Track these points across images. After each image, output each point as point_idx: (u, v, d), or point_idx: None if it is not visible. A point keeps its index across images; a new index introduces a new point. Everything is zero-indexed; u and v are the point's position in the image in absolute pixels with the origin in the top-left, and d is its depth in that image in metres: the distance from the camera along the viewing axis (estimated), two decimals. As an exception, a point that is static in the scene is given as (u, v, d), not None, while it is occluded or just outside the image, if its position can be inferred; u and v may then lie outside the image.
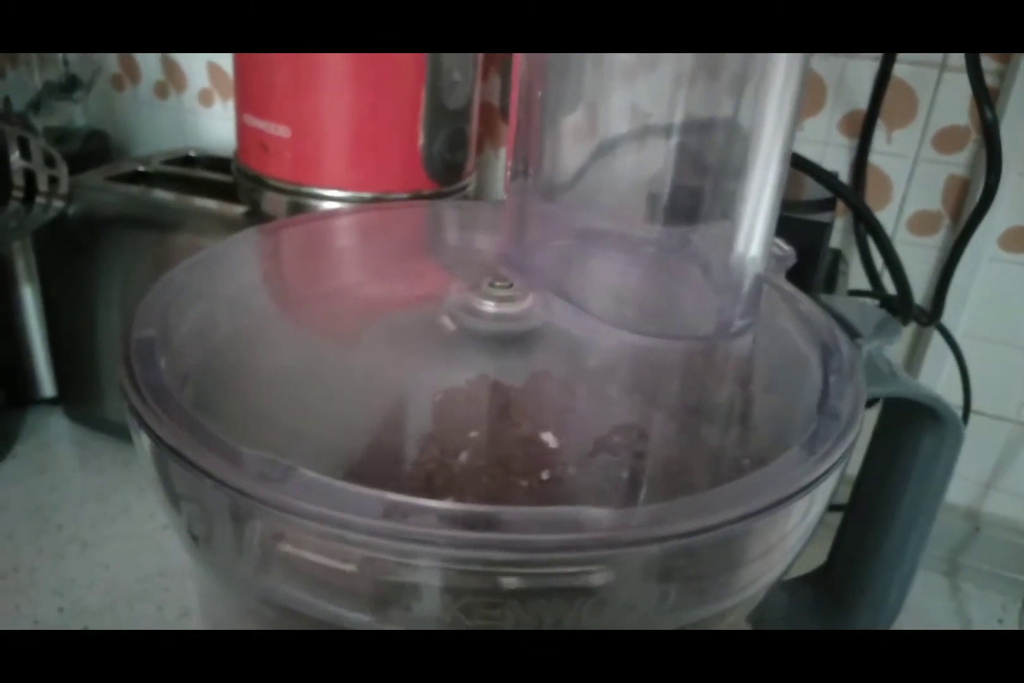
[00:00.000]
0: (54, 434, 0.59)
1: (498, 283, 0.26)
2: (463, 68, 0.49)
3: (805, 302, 0.28)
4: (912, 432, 0.26)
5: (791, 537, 0.20)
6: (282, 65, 0.46)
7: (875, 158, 0.50)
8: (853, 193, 0.41)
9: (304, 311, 0.30)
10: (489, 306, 0.26)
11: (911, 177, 0.50)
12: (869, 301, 0.49)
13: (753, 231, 0.24)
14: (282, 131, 0.48)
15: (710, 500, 0.17)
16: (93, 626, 0.45)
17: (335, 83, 0.46)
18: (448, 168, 0.50)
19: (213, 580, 0.21)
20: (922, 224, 0.51)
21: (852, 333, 0.25)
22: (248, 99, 0.49)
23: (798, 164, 0.42)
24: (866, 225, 0.40)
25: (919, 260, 0.51)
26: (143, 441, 0.19)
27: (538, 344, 0.26)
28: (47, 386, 0.60)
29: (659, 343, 0.26)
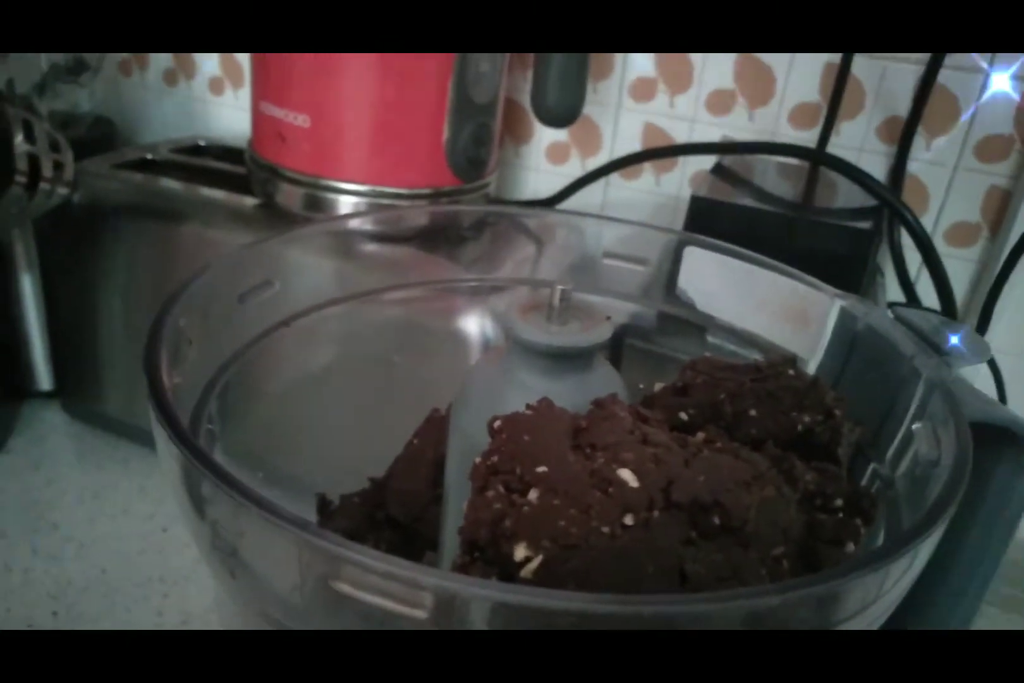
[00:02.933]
0: (51, 429, 0.57)
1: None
2: (491, 59, 0.47)
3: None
4: (985, 459, 0.24)
5: (889, 594, 0.18)
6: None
7: (913, 166, 0.49)
8: (904, 206, 0.40)
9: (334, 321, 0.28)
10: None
11: (950, 186, 0.49)
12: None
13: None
14: (301, 120, 0.46)
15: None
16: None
17: (358, 70, 0.44)
18: (472, 164, 0.49)
19: (244, 611, 0.19)
20: (960, 236, 0.49)
21: (936, 349, 0.23)
22: (266, 86, 0.47)
23: (845, 170, 0.41)
24: (914, 238, 0.38)
25: (955, 273, 0.49)
26: (171, 457, 0.17)
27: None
28: (44, 379, 0.58)
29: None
